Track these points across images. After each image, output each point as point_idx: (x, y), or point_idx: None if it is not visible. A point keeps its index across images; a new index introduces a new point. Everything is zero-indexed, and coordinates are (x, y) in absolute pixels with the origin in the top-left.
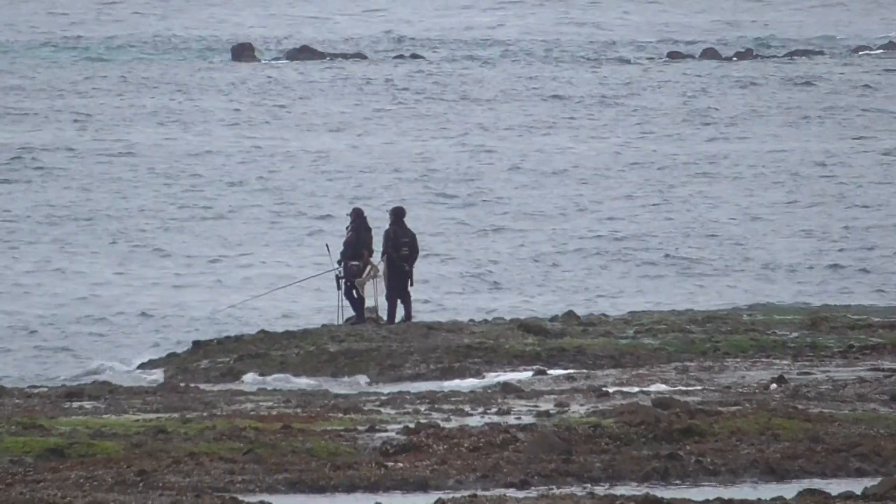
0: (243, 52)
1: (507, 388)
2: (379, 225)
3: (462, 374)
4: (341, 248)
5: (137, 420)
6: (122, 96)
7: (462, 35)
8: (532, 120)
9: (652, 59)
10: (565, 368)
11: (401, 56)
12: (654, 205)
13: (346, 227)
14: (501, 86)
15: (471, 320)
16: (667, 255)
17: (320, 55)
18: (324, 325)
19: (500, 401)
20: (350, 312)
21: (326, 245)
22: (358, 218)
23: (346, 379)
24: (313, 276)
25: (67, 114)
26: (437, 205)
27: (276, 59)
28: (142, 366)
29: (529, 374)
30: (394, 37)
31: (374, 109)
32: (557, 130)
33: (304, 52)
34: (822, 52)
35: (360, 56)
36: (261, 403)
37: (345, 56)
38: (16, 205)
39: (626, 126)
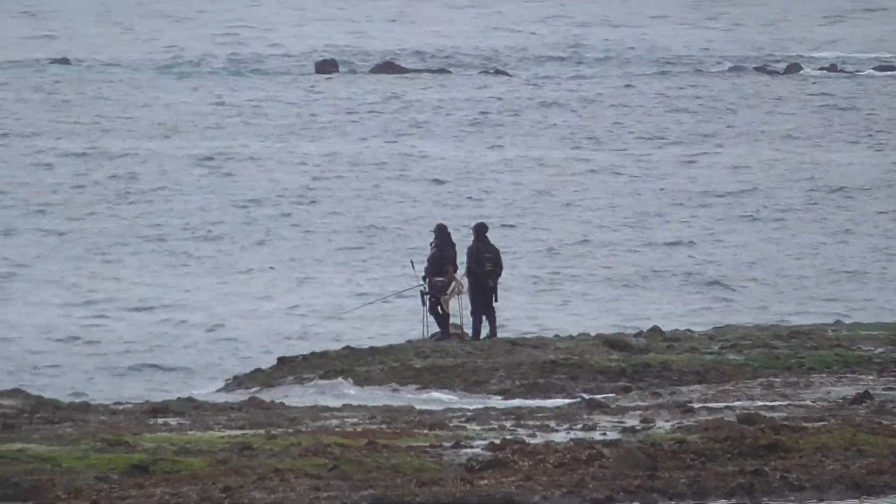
0: (326, 67)
1: (591, 403)
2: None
3: (547, 391)
4: (425, 264)
5: (222, 436)
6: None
7: (540, 50)
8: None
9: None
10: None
11: (485, 72)
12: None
13: (430, 244)
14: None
15: (556, 336)
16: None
17: (403, 70)
18: (409, 341)
19: (585, 417)
20: (435, 328)
21: (411, 261)
22: (442, 234)
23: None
24: (400, 293)
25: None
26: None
27: (360, 72)
28: (229, 383)
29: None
30: (474, 52)
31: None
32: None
33: (387, 67)
34: None
35: (444, 71)
36: (346, 419)
37: (430, 71)
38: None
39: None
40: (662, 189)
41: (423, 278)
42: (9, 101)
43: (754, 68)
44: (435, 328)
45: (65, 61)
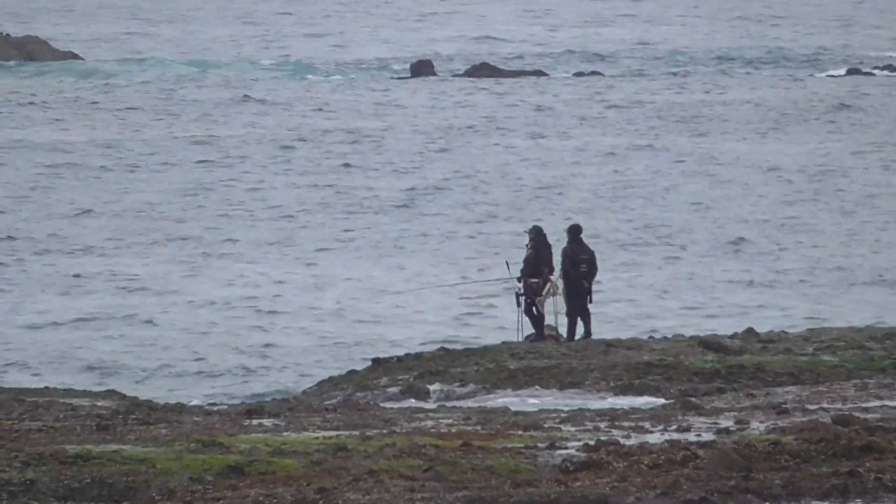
0: (422, 68)
1: (686, 405)
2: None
3: (642, 392)
4: (521, 265)
5: (317, 437)
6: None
7: (631, 50)
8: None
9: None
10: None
11: (580, 73)
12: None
13: (526, 245)
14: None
15: (651, 337)
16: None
17: (500, 72)
18: (503, 343)
19: (679, 418)
20: (530, 329)
21: (506, 262)
22: (538, 235)
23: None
24: (493, 280)
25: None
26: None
27: (456, 75)
28: (323, 383)
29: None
30: (564, 53)
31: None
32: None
33: (483, 69)
34: None
35: (539, 73)
36: (441, 421)
37: (524, 73)
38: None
39: None
40: None
41: (518, 279)
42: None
43: None
44: (530, 329)
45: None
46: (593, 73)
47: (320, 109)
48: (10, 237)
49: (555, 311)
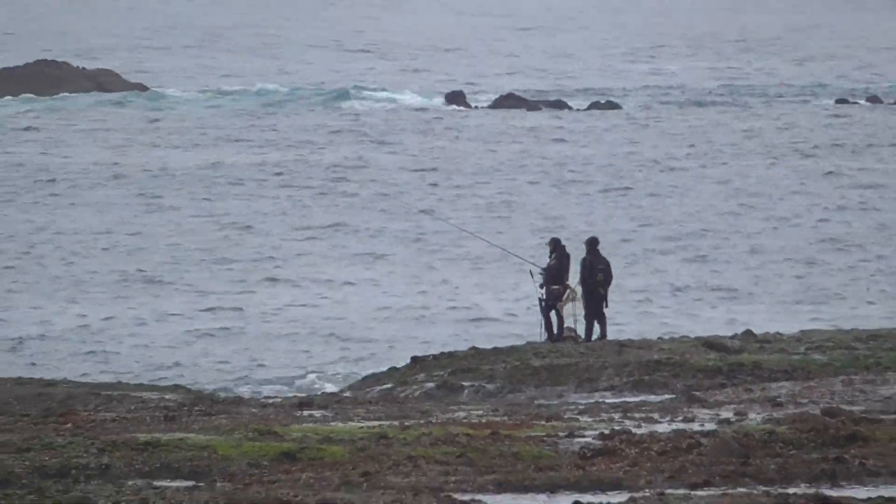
0: (455, 98)
1: (691, 398)
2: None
3: (652, 387)
4: (542, 273)
5: (361, 427)
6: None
7: (646, 81)
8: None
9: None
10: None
11: (597, 104)
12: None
13: (550, 256)
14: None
15: (660, 338)
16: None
17: (525, 102)
18: (528, 343)
19: (685, 410)
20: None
21: (530, 271)
22: (558, 247)
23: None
24: (519, 257)
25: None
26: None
27: (484, 105)
28: (367, 378)
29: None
30: (580, 86)
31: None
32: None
33: (510, 100)
34: None
35: (559, 105)
36: (472, 412)
37: (546, 103)
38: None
39: None
40: None
41: (541, 286)
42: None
43: None
44: (542, 335)
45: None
46: (609, 103)
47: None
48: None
49: (574, 314)
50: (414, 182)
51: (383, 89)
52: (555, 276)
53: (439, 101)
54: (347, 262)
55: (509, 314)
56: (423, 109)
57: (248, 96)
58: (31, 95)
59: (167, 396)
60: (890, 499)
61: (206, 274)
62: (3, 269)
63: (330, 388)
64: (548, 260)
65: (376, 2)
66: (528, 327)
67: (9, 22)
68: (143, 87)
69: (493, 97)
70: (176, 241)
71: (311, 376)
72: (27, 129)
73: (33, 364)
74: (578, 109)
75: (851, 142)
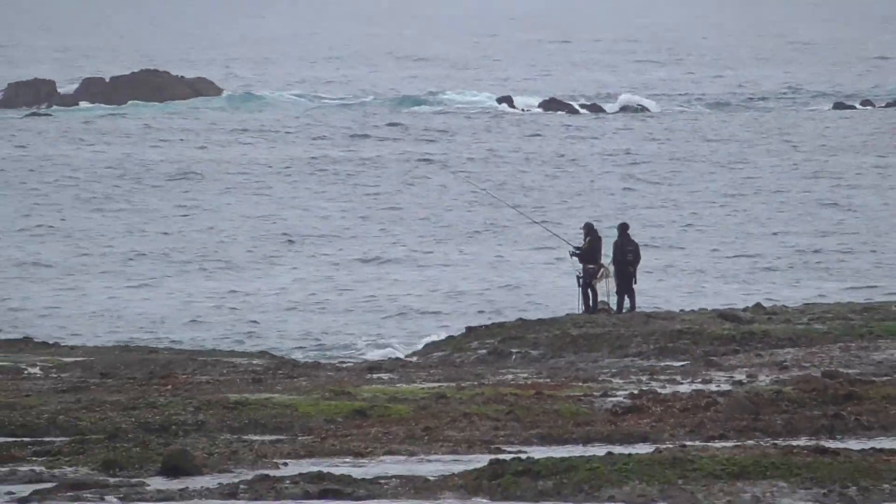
0: (505, 101)
1: (709, 363)
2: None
3: (675, 353)
4: (576, 253)
5: (423, 388)
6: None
7: (667, 87)
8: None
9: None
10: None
11: (626, 108)
12: None
13: (585, 239)
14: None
15: (681, 310)
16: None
17: (566, 106)
18: (567, 315)
19: (703, 373)
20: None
21: (569, 252)
22: (591, 231)
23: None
24: (560, 237)
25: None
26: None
27: (530, 108)
28: (427, 346)
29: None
30: (605, 91)
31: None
32: None
33: (552, 104)
34: None
35: (596, 108)
36: (518, 375)
37: (584, 106)
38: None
39: None
40: None
41: (581, 263)
42: None
43: None
44: (580, 307)
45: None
46: (640, 107)
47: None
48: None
49: (607, 290)
50: (510, 171)
51: (461, 93)
52: (589, 256)
53: (493, 103)
54: (433, 246)
55: (553, 290)
56: (492, 110)
57: (334, 100)
58: (139, 102)
59: (254, 361)
60: (881, 449)
61: (329, 249)
62: (159, 253)
63: (396, 354)
64: (582, 242)
65: (413, 20)
66: (567, 301)
67: (111, 36)
68: (234, 92)
69: (537, 101)
70: (314, 222)
71: (381, 343)
72: (183, 130)
73: (141, 328)
74: (612, 112)
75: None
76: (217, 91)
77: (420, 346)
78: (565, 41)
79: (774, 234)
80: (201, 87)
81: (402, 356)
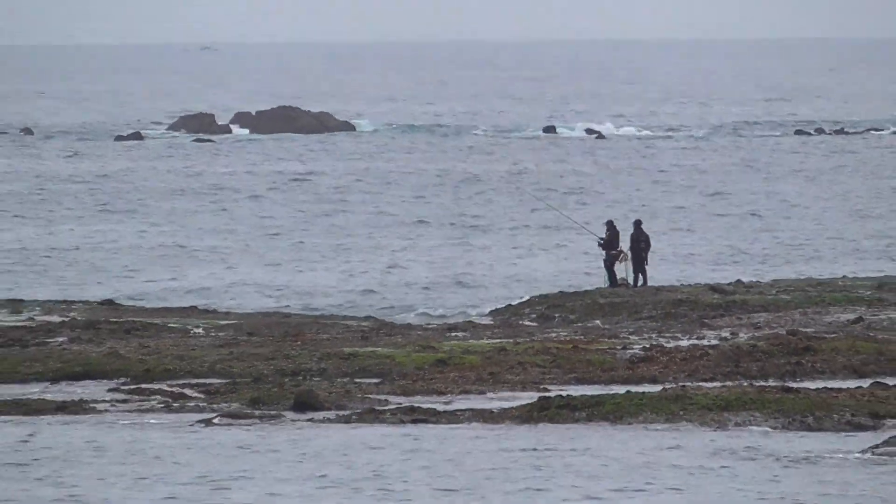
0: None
1: (702, 324)
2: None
3: (677, 317)
4: (601, 242)
5: (489, 343)
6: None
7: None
8: None
9: None
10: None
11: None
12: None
13: (606, 232)
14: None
15: (682, 284)
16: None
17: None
18: (596, 288)
19: (698, 331)
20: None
21: (597, 243)
22: (611, 226)
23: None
24: (590, 231)
25: None
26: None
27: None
28: (492, 312)
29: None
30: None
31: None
32: None
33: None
34: None
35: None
36: (560, 333)
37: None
38: None
39: None
40: None
41: (605, 251)
42: None
43: None
44: (606, 283)
45: None
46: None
47: None
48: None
49: (625, 270)
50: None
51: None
52: (611, 244)
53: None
54: (519, 237)
55: (585, 270)
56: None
57: (421, 128)
58: (280, 134)
59: (362, 324)
60: (830, 388)
61: (429, 238)
62: (340, 243)
63: (469, 317)
64: (604, 235)
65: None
66: (596, 278)
67: (257, 81)
68: (348, 125)
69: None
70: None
71: (458, 309)
72: (315, 150)
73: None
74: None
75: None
76: (337, 123)
77: (486, 312)
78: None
79: (754, 229)
80: (324, 119)
81: (473, 319)
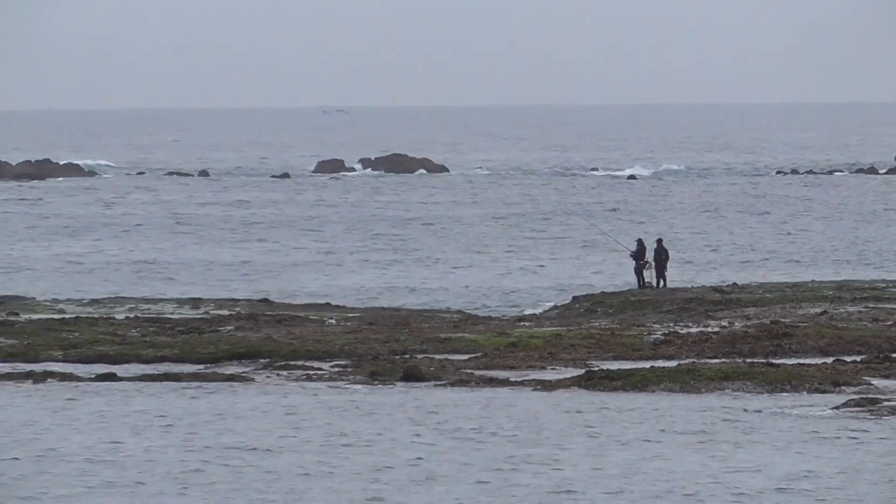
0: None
1: (707, 316)
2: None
3: (688, 311)
4: (632, 254)
5: (548, 331)
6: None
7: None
8: None
9: None
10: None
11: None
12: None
13: (636, 247)
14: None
15: (692, 286)
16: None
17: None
18: (628, 289)
19: (704, 321)
20: (636, 286)
21: (629, 255)
22: (640, 243)
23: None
24: (623, 245)
25: None
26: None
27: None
28: (548, 310)
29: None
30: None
31: None
32: None
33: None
34: None
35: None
36: (601, 323)
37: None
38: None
39: None
40: None
41: (635, 260)
42: None
43: None
44: (636, 286)
45: None
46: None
47: None
48: None
49: (650, 276)
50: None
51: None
52: (639, 255)
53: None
54: (569, 251)
55: (618, 274)
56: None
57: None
58: (389, 173)
59: (454, 316)
60: (804, 364)
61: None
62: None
63: (533, 311)
64: (634, 247)
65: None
66: (628, 283)
67: (370, 137)
68: (442, 168)
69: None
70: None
71: (523, 307)
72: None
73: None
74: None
75: None
76: (437, 167)
77: (547, 307)
78: None
79: (747, 244)
80: (426, 164)
81: (537, 313)
